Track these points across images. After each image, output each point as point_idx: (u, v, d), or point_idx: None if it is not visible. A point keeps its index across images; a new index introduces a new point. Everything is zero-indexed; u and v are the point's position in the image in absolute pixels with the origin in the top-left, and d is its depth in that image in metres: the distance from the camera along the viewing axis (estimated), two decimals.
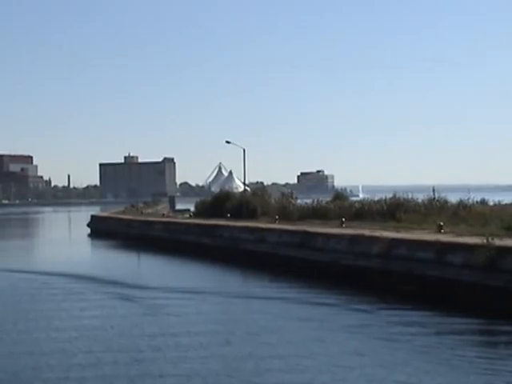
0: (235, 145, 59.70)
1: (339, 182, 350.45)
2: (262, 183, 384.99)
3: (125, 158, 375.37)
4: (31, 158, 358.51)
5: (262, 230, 43.84)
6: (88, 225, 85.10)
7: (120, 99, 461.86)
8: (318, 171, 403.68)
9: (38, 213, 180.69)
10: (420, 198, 48.78)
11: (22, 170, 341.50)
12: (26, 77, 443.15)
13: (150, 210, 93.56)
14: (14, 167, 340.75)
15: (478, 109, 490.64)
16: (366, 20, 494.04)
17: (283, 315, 24.31)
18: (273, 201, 60.57)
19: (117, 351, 19.01)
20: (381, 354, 18.33)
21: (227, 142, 60.18)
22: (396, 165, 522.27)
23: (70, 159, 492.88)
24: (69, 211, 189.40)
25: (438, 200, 47.30)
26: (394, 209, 47.89)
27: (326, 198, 58.86)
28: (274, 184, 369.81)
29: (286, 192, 64.52)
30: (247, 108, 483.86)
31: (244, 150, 58.59)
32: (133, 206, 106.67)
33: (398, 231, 35.64)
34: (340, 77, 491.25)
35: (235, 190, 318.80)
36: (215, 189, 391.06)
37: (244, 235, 45.53)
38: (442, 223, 34.88)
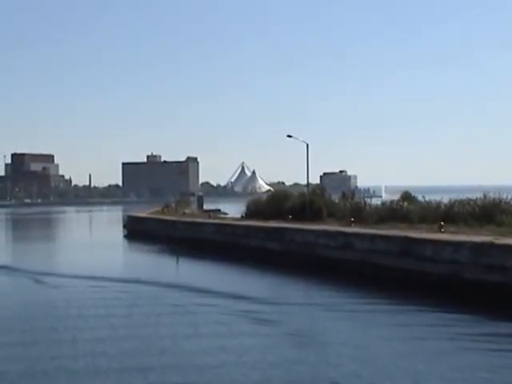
0: (297, 139, 53.64)
1: (362, 183, 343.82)
2: (283, 183, 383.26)
3: (147, 157, 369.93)
4: (52, 156, 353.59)
5: (347, 234, 37.75)
6: (124, 226, 79.36)
7: (142, 98, 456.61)
8: (341, 171, 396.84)
9: (62, 212, 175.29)
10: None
11: (44, 169, 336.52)
12: (47, 75, 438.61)
13: (187, 211, 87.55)
14: (36, 166, 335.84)
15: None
16: (363, 20, 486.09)
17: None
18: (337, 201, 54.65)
19: None
20: None
21: (289, 136, 54.13)
22: (416, 165, 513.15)
23: (90, 158, 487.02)
24: (92, 211, 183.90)
25: None
26: (490, 211, 41.93)
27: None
28: (295, 184, 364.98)
29: (346, 192, 58.25)
30: (268, 107, 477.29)
31: (307, 145, 52.55)
32: (167, 205, 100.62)
33: None
34: (359, 77, 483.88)
35: (258, 190, 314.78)
36: (238, 189, 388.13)
37: (323, 240, 39.51)
38: None
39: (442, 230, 36.22)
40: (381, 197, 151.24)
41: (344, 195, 57.90)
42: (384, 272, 32.99)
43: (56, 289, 33.24)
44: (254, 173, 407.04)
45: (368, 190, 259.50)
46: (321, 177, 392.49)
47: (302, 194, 58.40)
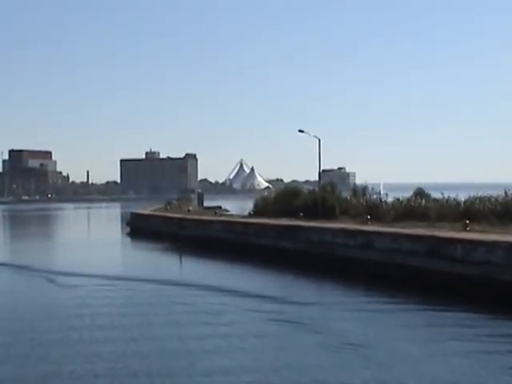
0: (308, 134, 51.98)
1: (360, 180, 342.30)
2: (281, 180, 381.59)
3: (146, 153, 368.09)
4: (50, 153, 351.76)
5: (368, 233, 36.02)
6: (127, 223, 77.55)
7: (141, 94, 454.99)
8: (340, 168, 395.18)
9: (60, 209, 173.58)
10: None
11: (42, 165, 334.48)
12: (44, 72, 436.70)
13: (191, 208, 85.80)
14: (33, 163, 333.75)
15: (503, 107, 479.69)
16: (363, 20, 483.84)
17: None
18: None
19: None
20: None
21: (300, 131, 52.44)
22: (414, 163, 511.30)
23: (89, 155, 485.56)
24: (91, 208, 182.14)
25: None
26: None
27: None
28: (293, 181, 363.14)
29: (358, 189, 56.55)
30: (267, 105, 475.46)
31: (319, 140, 50.94)
32: (169, 203, 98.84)
33: None
34: (358, 76, 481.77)
35: (257, 187, 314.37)
36: (237, 186, 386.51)
37: (341, 239, 37.76)
38: None
39: (467, 228, 34.59)
40: (380, 194, 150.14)
41: (355, 192, 56.14)
42: (409, 273, 31.27)
43: (66, 288, 31.97)
44: (252, 170, 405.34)
45: (367, 187, 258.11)
46: (319, 173, 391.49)
47: (313, 190, 56.79)
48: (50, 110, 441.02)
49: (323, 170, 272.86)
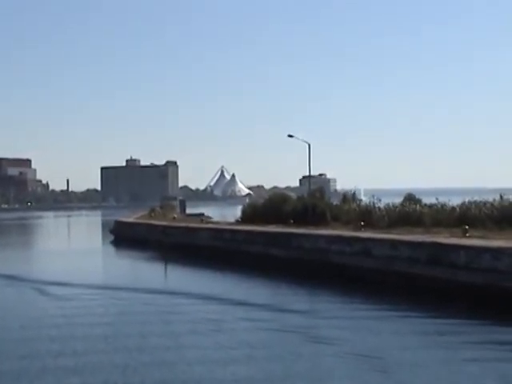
0: (298, 139, 50.83)
1: (341, 186, 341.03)
2: (262, 187, 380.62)
3: (126, 161, 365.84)
4: (30, 161, 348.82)
5: (365, 240, 34.93)
6: (111, 231, 76.12)
7: (120, 102, 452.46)
8: (321, 174, 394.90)
9: (40, 218, 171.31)
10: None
11: (21, 173, 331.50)
12: (23, 79, 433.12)
13: (175, 215, 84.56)
14: (13, 171, 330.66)
15: (475, 113, 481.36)
16: (363, 20, 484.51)
17: None
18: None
19: None
20: None
21: (290, 136, 51.21)
22: (395, 168, 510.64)
23: (68, 163, 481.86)
24: (71, 216, 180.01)
25: None
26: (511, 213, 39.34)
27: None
28: (274, 187, 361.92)
29: (347, 194, 55.47)
30: (248, 110, 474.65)
31: (309, 145, 49.74)
32: (153, 210, 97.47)
33: None
34: (339, 78, 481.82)
35: (238, 194, 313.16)
36: (218, 192, 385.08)
37: (336, 246, 36.65)
38: None
39: (467, 234, 33.58)
40: (361, 200, 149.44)
41: (345, 198, 55.11)
42: (410, 281, 30.24)
43: (54, 298, 30.98)
44: (233, 176, 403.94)
45: (347, 192, 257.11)
46: (300, 180, 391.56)
47: (302, 197, 55.77)
48: (29, 118, 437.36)
49: (303, 177, 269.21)
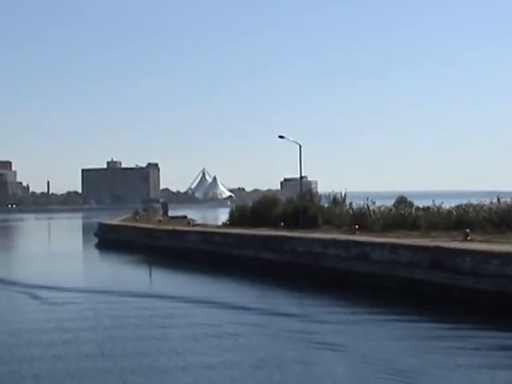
0: (289, 140, 49.83)
1: (322, 189, 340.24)
2: (243, 189, 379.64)
3: (108, 163, 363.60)
4: (10, 163, 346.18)
5: (362, 244, 33.89)
6: (95, 234, 74.73)
7: (101, 104, 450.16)
8: (302, 177, 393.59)
9: (21, 220, 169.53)
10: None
11: (1, 175, 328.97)
12: (3, 81, 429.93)
13: (160, 218, 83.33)
14: None
15: (460, 115, 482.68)
16: (352, 21, 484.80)
17: None
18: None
19: None
20: None
21: (280, 137, 50.23)
22: (377, 171, 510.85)
23: (49, 165, 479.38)
24: (52, 218, 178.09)
25: None
26: (510, 216, 38.46)
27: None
28: (255, 190, 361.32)
29: (338, 196, 54.31)
30: (230, 113, 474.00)
31: (300, 146, 48.85)
32: (137, 212, 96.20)
33: None
34: (325, 81, 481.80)
35: (220, 197, 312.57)
36: (199, 195, 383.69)
37: (332, 250, 35.59)
38: None
39: (468, 238, 32.63)
40: (351, 203, 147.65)
41: (335, 200, 54.00)
42: (411, 286, 29.26)
43: (42, 302, 29.92)
44: (214, 179, 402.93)
45: (329, 195, 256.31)
46: (281, 182, 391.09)
47: (292, 199, 54.72)
48: (9, 119, 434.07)
49: (285, 179, 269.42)
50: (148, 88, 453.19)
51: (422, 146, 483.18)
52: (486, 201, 42.13)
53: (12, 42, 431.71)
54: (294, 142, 49.69)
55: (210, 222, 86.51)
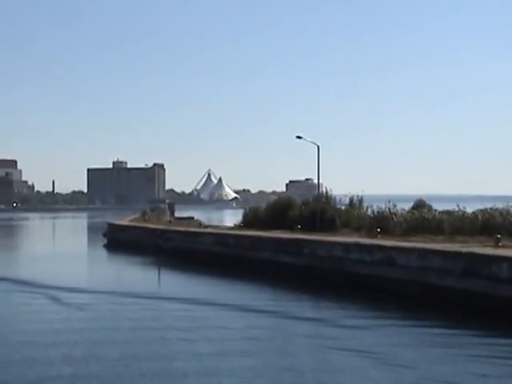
0: (306, 140, 48.46)
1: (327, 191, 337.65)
2: (248, 191, 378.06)
3: (113, 163, 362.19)
4: (15, 162, 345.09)
5: (388, 248, 32.51)
6: (104, 234, 73.44)
7: (108, 104, 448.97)
8: (307, 179, 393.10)
9: (26, 219, 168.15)
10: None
11: (7, 174, 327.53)
12: (9, 79, 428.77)
13: (170, 219, 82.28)
14: None
15: (459, 118, 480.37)
16: (352, 21, 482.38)
17: None
18: None
19: None
20: None
21: (298, 138, 48.84)
22: (382, 174, 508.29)
23: (54, 164, 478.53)
24: (57, 218, 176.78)
25: None
26: None
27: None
28: (260, 192, 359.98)
29: (355, 199, 52.90)
30: (230, 113, 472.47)
31: (318, 147, 47.45)
32: (145, 213, 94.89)
33: None
34: (326, 83, 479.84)
35: (225, 198, 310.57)
36: (205, 196, 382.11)
37: (355, 255, 34.23)
38: None
39: (500, 244, 31.23)
40: (371, 206, 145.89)
41: (352, 203, 52.68)
42: (443, 294, 27.89)
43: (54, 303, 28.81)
44: (220, 180, 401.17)
45: (334, 197, 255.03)
46: (287, 184, 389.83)
47: (307, 201, 53.36)
48: (15, 118, 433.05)
49: (290, 181, 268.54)
50: (148, 88, 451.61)
51: (422, 147, 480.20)
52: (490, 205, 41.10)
53: (12, 41, 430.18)
54: (311, 142, 48.29)
55: (216, 223, 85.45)
